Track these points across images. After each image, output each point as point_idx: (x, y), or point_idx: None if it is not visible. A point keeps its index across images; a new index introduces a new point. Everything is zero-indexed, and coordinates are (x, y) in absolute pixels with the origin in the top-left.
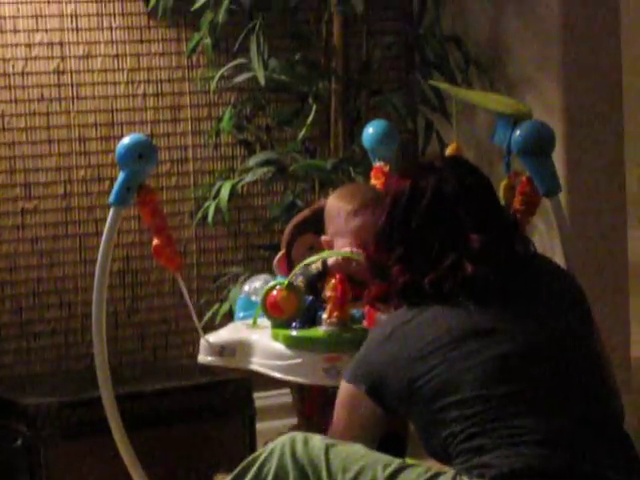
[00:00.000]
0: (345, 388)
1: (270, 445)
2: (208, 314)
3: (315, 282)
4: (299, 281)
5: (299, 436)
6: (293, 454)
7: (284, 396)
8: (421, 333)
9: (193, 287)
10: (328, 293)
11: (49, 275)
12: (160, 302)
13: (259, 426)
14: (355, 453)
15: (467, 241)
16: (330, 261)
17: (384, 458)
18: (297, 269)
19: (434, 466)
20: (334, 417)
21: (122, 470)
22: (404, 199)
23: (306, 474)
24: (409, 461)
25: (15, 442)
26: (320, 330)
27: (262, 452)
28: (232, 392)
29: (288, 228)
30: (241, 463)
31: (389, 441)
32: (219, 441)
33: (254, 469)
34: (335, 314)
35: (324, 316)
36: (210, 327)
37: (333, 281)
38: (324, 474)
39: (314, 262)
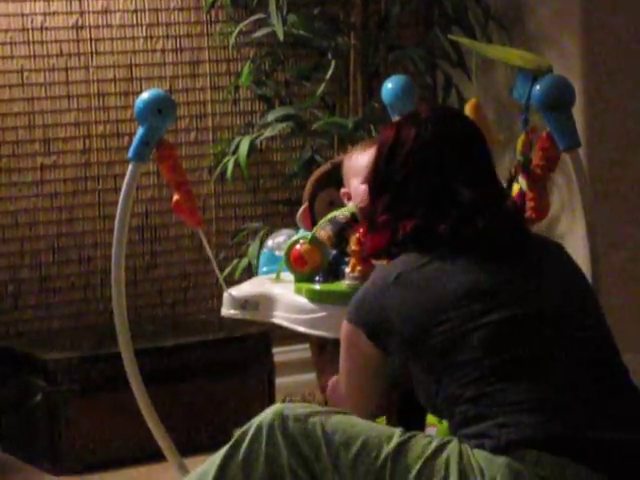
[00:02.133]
0: (346, 328)
1: (258, 418)
2: (227, 269)
3: (344, 232)
4: (328, 230)
5: (288, 410)
6: (284, 431)
7: (303, 351)
8: (430, 284)
9: (212, 242)
10: (352, 247)
11: (68, 230)
12: (179, 257)
13: (278, 381)
14: (353, 427)
15: (455, 194)
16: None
17: (384, 430)
18: (321, 222)
19: (434, 435)
20: (340, 359)
21: (142, 425)
22: (386, 148)
23: (301, 451)
24: (430, 419)
25: (35, 397)
26: (343, 284)
27: (250, 426)
28: (251, 347)
29: (310, 182)
30: (227, 443)
31: (409, 409)
32: (238, 395)
33: (244, 448)
34: (358, 268)
35: (347, 270)
36: (229, 282)
37: (357, 235)
38: (323, 450)
39: (338, 215)
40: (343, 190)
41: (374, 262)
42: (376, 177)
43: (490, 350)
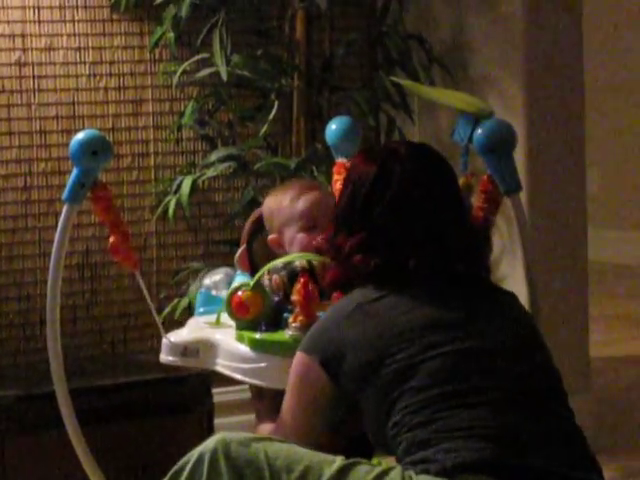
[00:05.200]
0: (298, 357)
1: (198, 449)
2: (167, 309)
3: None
4: (283, 275)
5: (231, 435)
6: (227, 456)
7: (243, 392)
8: (388, 315)
9: (153, 281)
10: (294, 297)
11: (8, 268)
12: (119, 296)
13: (217, 421)
14: (296, 452)
15: (440, 236)
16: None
17: (327, 457)
18: (263, 271)
19: (382, 462)
20: (286, 390)
21: (79, 465)
22: (368, 185)
23: (244, 476)
24: (375, 461)
25: None
26: (286, 334)
27: (192, 456)
28: (191, 387)
29: (248, 223)
30: (170, 471)
31: (356, 442)
32: (177, 437)
33: (185, 476)
34: (300, 318)
35: (290, 319)
36: (170, 322)
37: (299, 285)
38: (266, 475)
39: (280, 265)
40: (271, 237)
41: (317, 313)
42: (352, 213)
43: (440, 380)
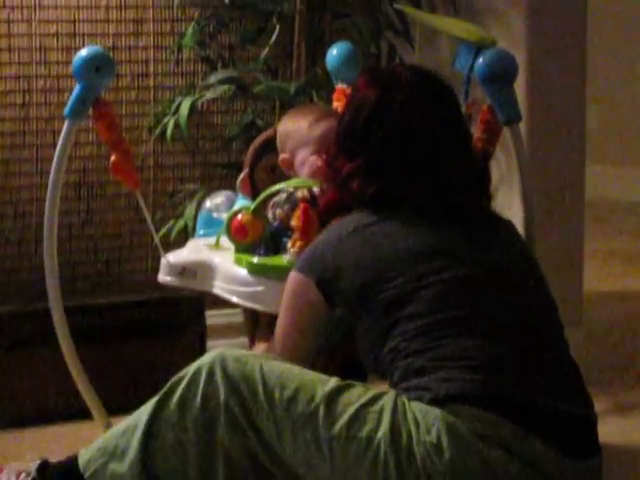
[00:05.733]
0: (294, 277)
1: (197, 362)
2: (163, 230)
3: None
4: (287, 210)
5: (228, 352)
6: (223, 371)
7: (235, 315)
8: (385, 240)
9: (149, 202)
10: (293, 222)
11: (4, 184)
12: (115, 216)
13: (210, 344)
14: (291, 370)
15: (435, 164)
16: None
17: (321, 377)
18: (264, 195)
19: (374, 387)
20: (280, 310)
21: (71, 382)
22: (368, 109)
23: (238, 390)
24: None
25: None
26: (284, 259)
27: (189, 370)
28: (183, 308)
29: (251, 148)
30: (168, 382)
31: (350, 368)
32: (169, 357)
33: (181, 388)
34: (298, 244)
35: (289, 244)
36: (165, 244)
37: (298, 211)
38: (260, 390)
39: (280, 190)
40: (283, 156)
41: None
42: (351, 136)
43: (438, 306)
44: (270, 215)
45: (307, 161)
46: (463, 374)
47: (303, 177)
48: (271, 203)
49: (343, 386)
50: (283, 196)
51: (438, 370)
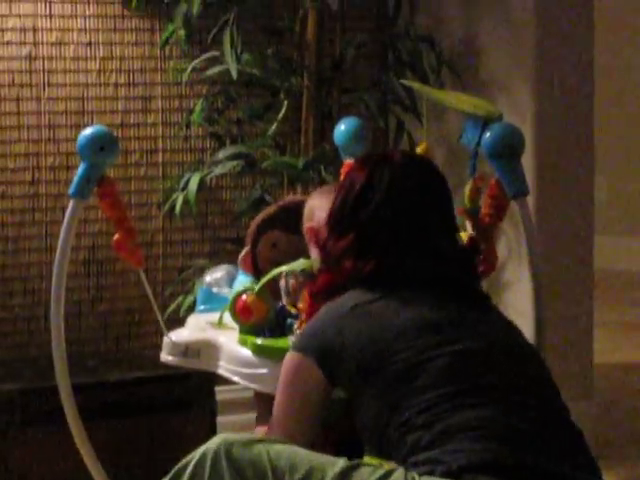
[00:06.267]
0: (291, 357)
1: (201, 448)
2: (172, 306)
3: None
4: (301, 281)
5: (232, 436)
6: (229, 456)
7: (246, 390)
8: (385, 316)
9: (158, 278)
10: (300, 304)
11: (14, 262)
12: (124, 292)
13: (220, 419)
14: (298, 453)
15: (422, 240)
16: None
17: (329, 458)
18: (269, 276)
19: (383, 464)
20: (277, 391)
21: (80, 460)
22: (357, 189)
23: (245, 477)
24: (368, 459)
25: None
26: (289, 340)
27: (194, 456)
28: (194, 385)
29: (253, 225)
30: (171, 470)
31: (345, 444)
32: (179, 434)
33: (187, 475)
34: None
35: (295, 326)
36: (174, 320)
37: (305, 292)
38: (269, 475)
39: (282, 272)
40: (309, 225)
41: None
42: (342, 217)
43: (444, 379)
44: (282, 284)
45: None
46: (473, 444)
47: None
48: (283, 274)
49: (352, 466)
50: (287, 270)
51: (447, 443)
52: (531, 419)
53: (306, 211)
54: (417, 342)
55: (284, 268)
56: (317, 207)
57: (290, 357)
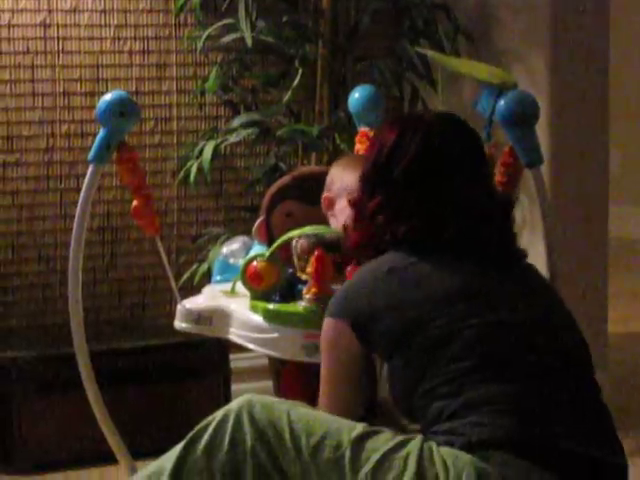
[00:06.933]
0: (328, 323)
1: (225, 408)
2: (187, 274)
3: (326, 248)
4: (312, 239)
5: (256, 398)
6: (251, 416)
7: (260, 358)
8: (422, 281)
9: (173, 246)
10: (308, 269)
11: (28, 229)
12: (139, 260)
13: (234, 387)
14: (318, 416)
15: (456, 203)
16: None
17: (348, 423)
18: (279, 242)
19: (399, 433)
20: (321, 368)
21: (95, 426)
22: (388, 149)
23: (265, 436)
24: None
25: None
26: (299, 305)
27: (216, 415)
28: (208, 352)
29: (267, 195)
30: (194, 427)
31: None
32: (194, 401)
33: (209, 433)
34: (313, 290)
35: (304, 291)
36: (188, 287)
37: (314, 257)
38: (287, 436)
39: (294, 237)
40: (327, 194)
41: (331, 286)
42: (373, 176)
43: (477, 349)
44: (293, 244)
45: (345, 211)
46: (495, 419)
47: (337, 224)
48: (299, 236)
49: (370, 432)
50: (295, 235)
51: (470, 414)
52: (558, 398)
53: (329, 176)
54: (451, 310)
55: (295, 232)
56: (336, 177)
57: (326, 324)
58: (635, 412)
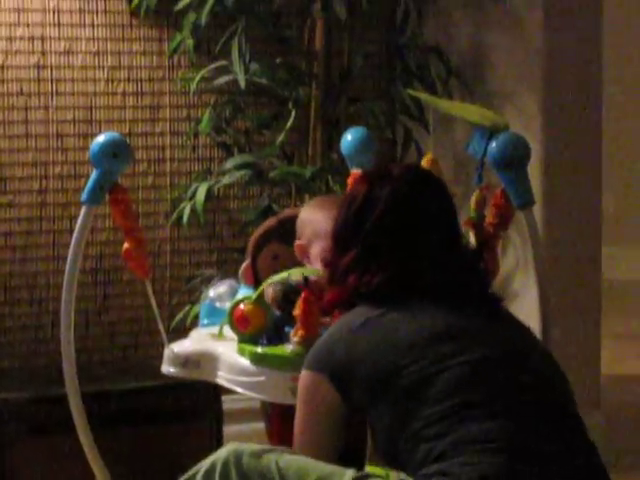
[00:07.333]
0: (305, 375)
1: (212, 457)
2: (179, 315)
3: (291, 295)
4: (277, 289)
5: (243, 446)
6: (238, 466)
7: (253, 400)
8: (400, 326)
9: (166, 287)
10: (295, 311)
11: (21, 270)
12: (131, 302)
13: (226, 429)
14: (307, 464)
15: (425, 253)
16: (313, 278)
17: (337, 468)
18: (265, 284)
19: (389, 474)
20: (296, 416)
21: (88, 469)
22: (358, 203)
23: None
24: (369, 468)
25: None
26: (287, 348)
27: (203, 464)
28: (200, 394)
29: (253, 238)
30: (182, 477)
31: (347, 454)
32: (186, 443)
33: None
34: (300, 332)
35: (291, 334)
36: (181, 328)
37: (301, 299)
38: None
39: (280, 280)
40: (299, 242)
41: (318, 328)
42: (344, 232)
43: (458, 389)
44: (268, 294)
45: (320, 256)
46: (484, 458)
47: (312, 268)
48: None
49: (361, 477)
50: (278, 278)
51: (459, 455)
52: (545, 431)
53: (298, 222)
54: (429, 353)
55: (280, 275)
56: (306, 222)
57: (303, 377)
58: (630, 452)
